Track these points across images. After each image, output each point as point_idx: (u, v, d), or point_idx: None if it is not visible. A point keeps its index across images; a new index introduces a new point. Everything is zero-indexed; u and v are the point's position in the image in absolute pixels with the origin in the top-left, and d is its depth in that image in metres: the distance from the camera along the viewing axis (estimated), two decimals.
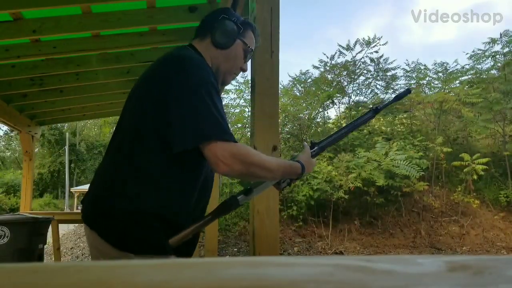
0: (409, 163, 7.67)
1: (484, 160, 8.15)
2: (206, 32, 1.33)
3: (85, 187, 21.97)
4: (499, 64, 9.92)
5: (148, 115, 1.14)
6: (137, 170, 1.14)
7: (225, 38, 1.29)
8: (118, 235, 1.15)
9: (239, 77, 10.35)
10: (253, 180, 1.24)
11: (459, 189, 8.54)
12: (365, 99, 11.62)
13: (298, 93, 11.41)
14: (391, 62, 11.13)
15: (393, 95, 11.63)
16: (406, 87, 11.15)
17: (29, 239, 3.34)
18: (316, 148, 1.45)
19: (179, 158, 1.13)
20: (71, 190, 23.41)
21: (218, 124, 1.09)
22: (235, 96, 10.72)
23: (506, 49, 9.68)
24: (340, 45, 10.91)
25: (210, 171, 1.28)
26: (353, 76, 11.09)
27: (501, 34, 9.55)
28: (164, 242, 1.14)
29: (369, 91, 11.44)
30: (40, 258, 3.56)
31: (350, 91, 11.37)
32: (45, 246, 3.81)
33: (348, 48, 10.76)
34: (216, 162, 1.09)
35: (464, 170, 8.31)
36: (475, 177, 8.19)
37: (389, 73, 11.14)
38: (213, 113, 1.09)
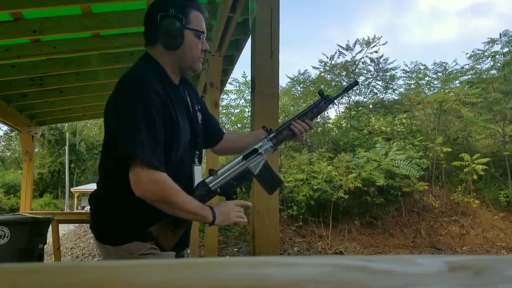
0: (409, 163, 7.67)
1: (484, 160, 8.15)
2: (152, 38, 1.29)
3: (85, 187, 21.97)
4: (498, 64, 9.92)
5: (109, 125, 1.26)
6: (110, 169, 1.27)
7: (173, 40, 1.25)
8: (98, 228, 1.28)
9: (239, 77, 10.34)
10: (169, 213, 1.22)
11: (459, 189, 8.54)
12: (365, 99, 11.62)
13: (297, 94, 11.40)
14: (391, 62, 11.13)
15: (393, 95, 11.57)
16: (405, 87, 11.15)
17: (29, 239, 3.34)
18: (272, 137, 1.39)
19: None
20: (71, 190, 23.41)
21: (148, 148, 1.13)
22: (235, 96, 10.73)
23: (506, 49, 9.68)
24: (339, 45, 10.90)
25: (187, 165, 1.31)
26: (352, 76, 11.08)
27: (500, 34, 9.55)
28: (140, 232, 1.21)
29: (368, 91, 11.44)
30: (40, 258, 3.56)
31: (349, 91, 11.36)
32: (45, 246, 3.81)
33: (348, 48, 10.76)
34: (136, 185, 1.14)
35: (464, 170, 8.31)
36: (475, 177, 8.19)
37: (388, 73, 11.13)
38: (146, 135, 1.13)
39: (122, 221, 1.24)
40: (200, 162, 1.37)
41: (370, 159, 7.95)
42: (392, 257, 0.30)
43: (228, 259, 0.28)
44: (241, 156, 1.34)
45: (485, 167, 8.12)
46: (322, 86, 11.05)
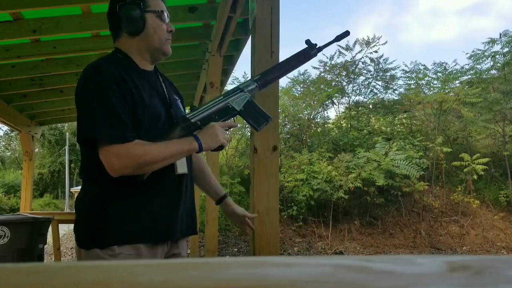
0: (409, 163, 7.67)
1: (484, 160, 8.15)
2: (117, 29, 1.31)
3: None
4: (498, 64, 9.92)
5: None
6: (85, 159, 1.27)
7: (134, 25, 1.27)
8: (76, 231, 1.26)
9: (240, 77, 10.32)
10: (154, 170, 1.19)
11: (459, 189, 8.54)
12: (365, 99, 11.62)
13: (297, 94, 11.40)
14: (391, 62, 11.14)
15: (393, 96, 11.55)
16: (405, 87, 11.14)
17: (29, 239, 3.34)
18: (257, 79, 1.38)
19: None
20: (71, 190, 23.40)
21: (105, 126, 1.13)
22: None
23: (506, 49, 9.68)
24: (339, 45, 10.88)
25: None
26: (352, 76, 11.08)
27: (500, 34, 9.55)
28: (117, 233, 1.18)
29: (368, 91, 11.43)
30: (40, 258, 3.56)
31: (349, 91, 11.37)
32: (45, 246, 3.81)
33: (348, 48, 10.76)
34: (107, 167, 1.14)
35: (464, 170, 8.31)
36: (475, 177, 8.19)
37: (388, 73, 11.13)
38: (101, 115, 1.14)
39: (98, 223, 1.21)
40: None
41: (370, 159, 7.96)
42: (392, 257, 0.30)
43: (228, 259, 0.28)
44: (223, 94, 1.33)
45: (485, 167, 8.12)
46: (322, 86, 11.05)
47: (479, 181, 8.66)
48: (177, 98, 1.41)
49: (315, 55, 1.43)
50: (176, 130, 1.23)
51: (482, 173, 8.15)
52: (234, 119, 1.34)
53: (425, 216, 8.25)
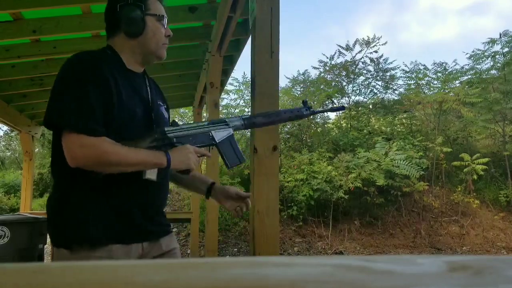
0: (409, 162, 7.67)
1: (484, 160, 8.15)
2: (114, 28, 1.30)
3: None
4: (498, 64, 9.91)
5: None
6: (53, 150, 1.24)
7: (134, 26, 1.26)
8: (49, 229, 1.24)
9: (239, 77, 10.32)
10: (117, 172, 1.15)
11: (459, 189, 8.54)
12: (365, 99, 11.62)
13: (297, 94, 11.40)
14: (391, 62, 11.13)
15: (393, 95, 11.54)
16: (405, 87, 11.14)
17: (29, 239, 3.34)
18: (245, 118, 1.37)
19: None
20: None
21: (75, 114, 1.10)
22: (235, 96, 10.72)
23: (506, 49, 9.67)
24: (339, 46, 10.90)
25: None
26: (352, 76, 11.09)
27: (500, 34, 9.54)
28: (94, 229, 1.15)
29: (368, 91, 11.43)
30: (40, 258, 3.56)
31: (349, 91, 11.37)
32: (45, 246, 3.81)
33: (348, 48, 10.76)
34: (67, 155, 1.11)
35: (464, 170, 8.31)
36: (475, 177, 8.19)
37: (388, 73, 11.14)
38: (74, 102, 1.11)
39: (65, 222, 1.19)
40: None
41: (370, 159, 7.96)
42: (392, 257, 0.30)
43: (228, 259, 0.28)
44: (208, 122, 1.32)
45: (485, 167, 8.12)
46: (322, 86, 11.05)
47: (479, 181, 8.66)
48: (162, 104, 1.39)
49: (307, 116, 1.45)
50: (149, 139, 1.20)
51: (482, 173, 8.14)
52: (209, 149, 1.32)
53: (425, 216, 8.25)
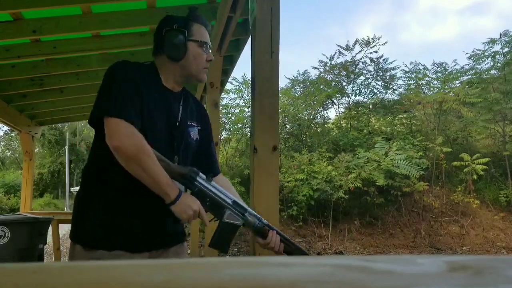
0: (409, 162, 7.67)
1: (484, 160, 8.15)
2: (159, 49, 1.36)
3: None
4: (498, 64, 9.91)
5: None
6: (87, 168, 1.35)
7: (176, 51, 1.32)
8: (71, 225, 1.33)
9: (239, 77, 10.32)
10: (137, 176, 1.19)
11: (459, 189, 8.54)
12: (365, 99, 11.63)
13: (296, 94, 11.40)
14: (391, 62, 11.14)
15: (393, 95, 11.50)
16: (405, 87, 11.14)
17: (29, 239, 3.34)
18: (261, 221, 1.35)
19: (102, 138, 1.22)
20: (71, 190, 23.40)
21: (118, 104, 1.18)
22: (235, 96, 10.72)
23: (506, 49, 9.68)
24: (339, 46, 10.90)
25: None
26: (352, 76, 11.09)
27: (500, 34, 9.55)
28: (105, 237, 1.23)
29: (368, 91, 11.44)
30: (40, 258, 3.56)
31: (349, 91, 11.37)
32: (45, 246, 3.81)
33: (348, 48, 10.77)
34: (110, 136, 1.17)
35: (464, 170, 8.31)
36: (475, 177, 8.19)
37: (388, 73, 11.14)
38: (115, 96, 1.20)
39: (87, 222, 1.27)
40: None
41: (370, 159, 7.96)
42: (392, 257, 0.30)
43: (228, 259, 0.28)
44: (234, 200, 1.32)
45: (485, 167, 8.12)
46: (322, 87, 11.05)
47: (479, 181, 8.66)
48: (195, 125, 1.42)
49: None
50: (179, 171, 1.25)
51: (482, 173, 8.15)
52: (213, 219, 1.33)
53: (425, 216, 8.25)
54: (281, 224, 7.42)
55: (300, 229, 7.83)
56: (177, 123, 1.35)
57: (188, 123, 1.40)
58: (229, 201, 1.31)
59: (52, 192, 25.34)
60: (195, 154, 1.43)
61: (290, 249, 1.39)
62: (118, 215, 1.25)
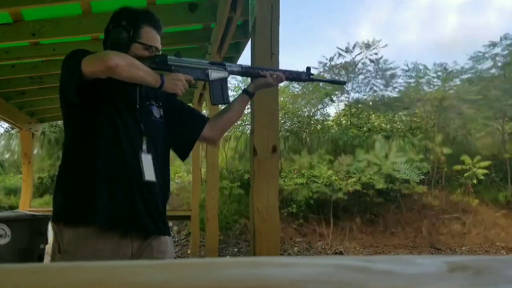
0: (409, 166, 7.67)
1: (486, 163, 8.10)
2: (104, 44, 1.38)
3: None
4: (499, 64, 9.92)
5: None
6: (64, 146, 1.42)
7: (117, 49, 1.29)
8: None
9: (239, 77, 10.28)
10: (134, 77, 1.25)
11: (458, 191, 8.55)
12: (365, 97, 11.59)
13: (295, 92, 11.38)
14: (391, 63, 11.11)
15: (393, 94, 11.52)
16: (405, 85, 11.12)
17: (29, 239, 3.34)
18: (244, 67, 1.48)
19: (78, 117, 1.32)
20: None
21: (83, 55, 1.22)
22: (234, 94, 10.70)
23: (506, 52, 9.70)
24: (339, 48, 10.89)
25: (131, 151, 1.31)
26: (352, 76, 11.08)
27: (501, 38, 9.60)
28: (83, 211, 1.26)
29: (368, 88, 11.40)
30: (40, 258, 3.55)
31: (349, 89, 11.34)
32: (46, 246, 3.80)
33: (348, 50, 10.76)
34: (96, 63, 1.19)
35: (465, 174, 8.29)
36: (474, 181, 8.18)
37: (388, 72, 11.12)
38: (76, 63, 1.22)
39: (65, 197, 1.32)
40: (149, 151, 1.35)
41: (370, 162, 7.96)
42: (392, 257, 0.30)
43: (229, 259, 0.28)
44: (210, 61, 1.45)
45: (486, 171, 8.10)
46: (321, 84, 11.03)
47: (478, 185, 8.64)
48: (154, 103, 1.44)
49: (305, 81, 1.57)
50: (149, 61, 1.30)
51: (482, 177, 8.13)
52: (204, 85, 1.48)
53: (426, 214, 8.24)
54: (281, 222, 7.43)
55: (301, 227, 7.83)
56: (137, 105, 1.37)
57: (147, 103, 1.42)
58: (206, 62, 1.42)
59: (52, 193, 25.29)
60: (176, 124, 1.48)
61: (289, 74, 1.53)
62: (95, 190, 1.25)
